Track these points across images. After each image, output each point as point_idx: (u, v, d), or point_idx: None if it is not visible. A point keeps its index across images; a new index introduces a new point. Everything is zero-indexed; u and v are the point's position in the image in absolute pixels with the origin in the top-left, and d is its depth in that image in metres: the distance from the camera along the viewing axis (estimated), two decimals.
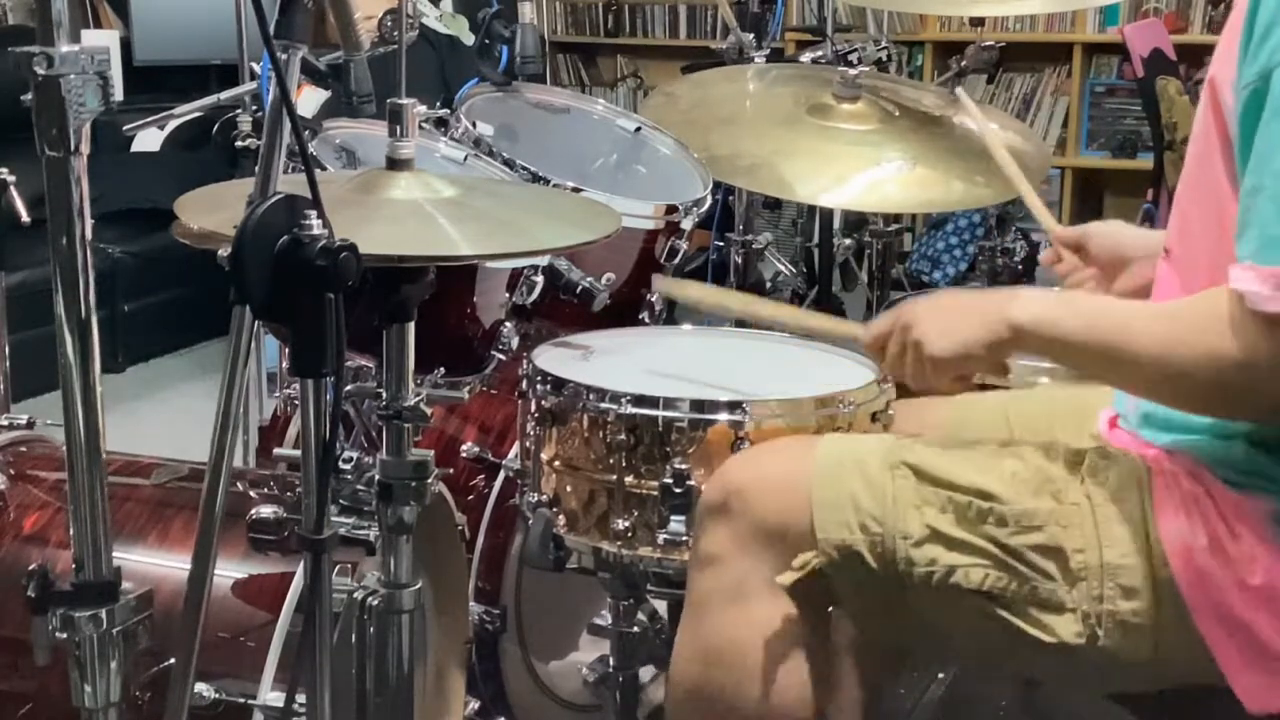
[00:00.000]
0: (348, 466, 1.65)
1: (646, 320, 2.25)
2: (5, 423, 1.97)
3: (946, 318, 1.46)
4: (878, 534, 1.43)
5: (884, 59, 3.42)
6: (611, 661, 1.88)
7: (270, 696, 1.60)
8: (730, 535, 1.48)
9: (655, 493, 1.63)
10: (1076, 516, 1.41)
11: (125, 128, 2.94)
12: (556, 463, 1.71)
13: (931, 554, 1.42)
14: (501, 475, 2.12)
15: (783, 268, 4.18)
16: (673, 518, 1.62)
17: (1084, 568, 1.39)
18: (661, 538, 1.63)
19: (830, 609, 1.51)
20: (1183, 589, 1.37)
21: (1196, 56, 5.01)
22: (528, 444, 1.77)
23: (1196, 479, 1.39)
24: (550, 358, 1.81)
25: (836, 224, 3.97)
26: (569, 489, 1.70)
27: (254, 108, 2.80)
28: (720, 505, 1.49)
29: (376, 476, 1.53)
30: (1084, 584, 1.39)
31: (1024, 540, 1.40)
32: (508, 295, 2.08)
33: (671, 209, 2.22)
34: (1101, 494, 1.41)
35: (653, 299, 2.25)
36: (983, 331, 1.42)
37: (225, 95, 2.86)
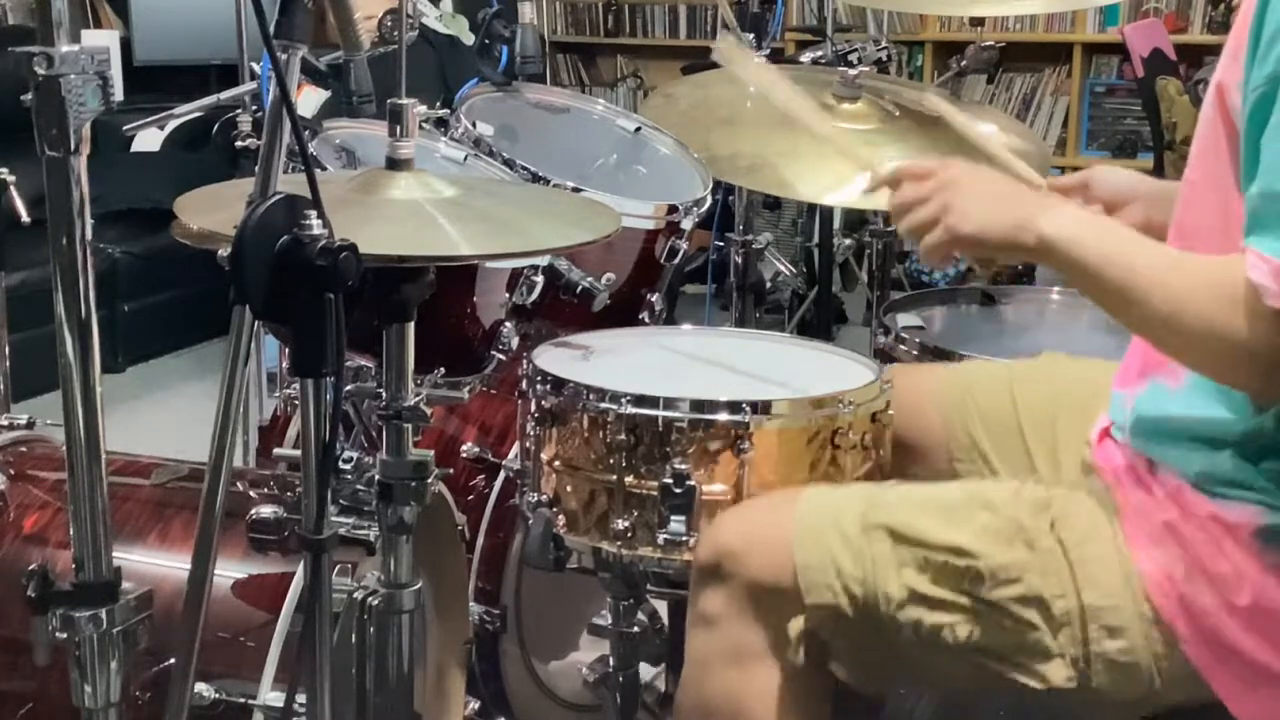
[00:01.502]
0: (348, 466, 1.65)
1: (646, 320, 2.25)
2: (5, 423, 1.97)
3: (983, 196, 1.43)
4: (860, 596, 1.43)
5: (884, 59, 3.41)
6: (611, 661, 1.88)
7: (270, 696, 1.60)
8: (725, 597, 1.49)
9: (655, 493, 1.63)
10: (1052, 563, 1.40)
11: (125, 128, 2.94)
12: (556, 463, 1.71)
13: (914, 615, 1.42)
14: (501, 475, 2.12)
15: (783, 268, 4.18)
16: (673, 518, 1.62)
17: (1066, 613, 1.39)
18: (661, 538, 1.63)
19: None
20: (1168, 620, 1.37)
21: (1196, 56, 5.02)
22: (528, 444, 1.77)
23: (1175, 499, 1.38)
24: (550, 358, 1.81)
25: (836, 224, 3.98)
26: (569, 489, 1.70)
27: (254, 108, 2.80)
28: (713, 567, 1.50)
29: (376, 476, 1.53)
30: (1068, 629, 1.39)
31: (1003, 593, 1.40)
32: (508, 295, 2.08)
33: (671, 209, 2.22)
34: (1073, 538, 1.41)
35: (653, 299, 2.25)
36: (1010, 227, 1.40)
37: (225, 95, 2.86)
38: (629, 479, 1.65)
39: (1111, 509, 1.43)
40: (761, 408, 1.63)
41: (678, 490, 1.61)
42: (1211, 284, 1.30)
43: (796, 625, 1.45)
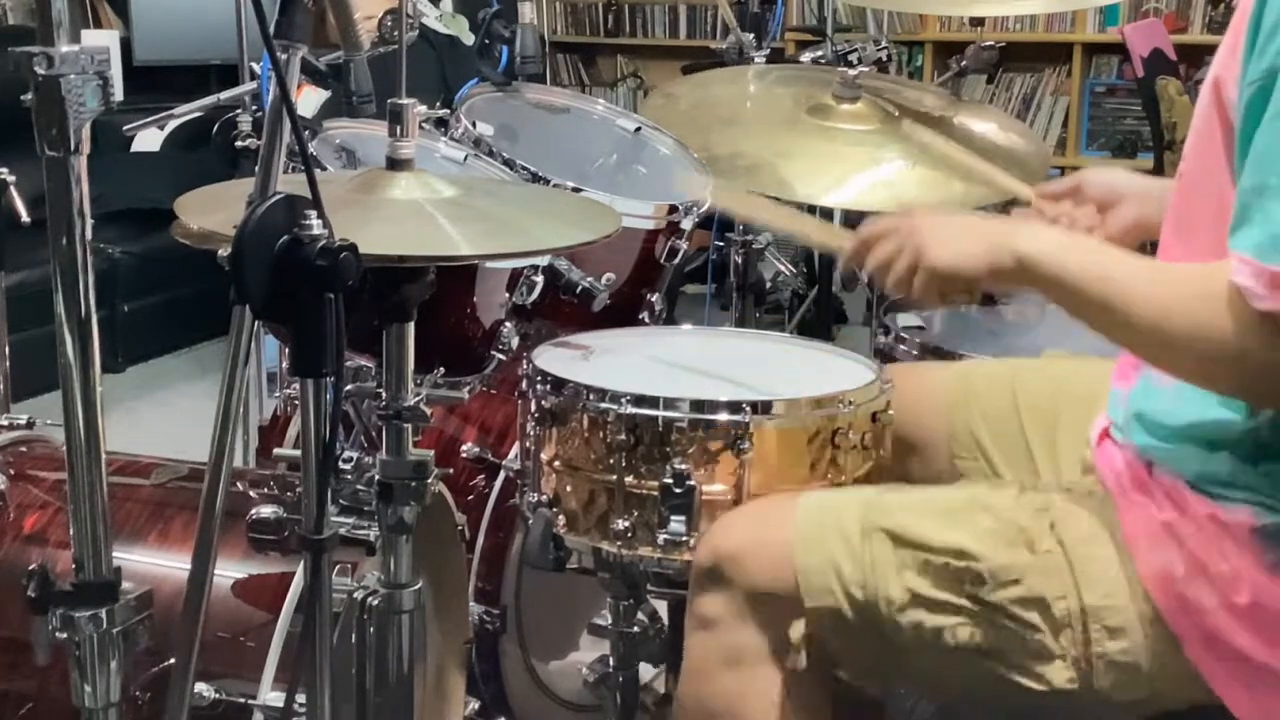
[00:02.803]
0: (348, 466, 1.65)
1: (646, 320, 2.25)
2: (5, 423, 1.97)
3: (952, 230, 1.44)
4: (861, 599, 1.43)
5: (884, 59, 3.41)
6: (611, 661, 1.88)
7: (270, 696, 1.60)
8: (724, 601, 1.49)
9: (655, 493, 1.63)
10: (1053, 564, 1.40)
11: (125, 128, 2.93)
12: (556, 463, 1.71)
13: (916, 617, 1.42)
14: (501, 475, 2.12)
15: (783, 268, 4.17)
16: (673, 518, 1.62)
17: (1067, 614, 1.39)
18: (661, 538, 1.63)
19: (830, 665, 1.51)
20: (1168, 620, 1.37)
21: (1196, 56, 5.02)
22: (528, 444, 1.77)
23: (1173, 499, 1.38)
24: (550, 358, 1.81)
25: (837, 224, 3.97)
26: (569, 489, 1.70)
27: (254, 108, 2.81)
28: (712, 571, 1.50)
29: (376, 476, 1.53)
30: (1069, 630, 1.39)
31: (1004, 595, 1.40)
32: (508, 295, 2.08)
33: (672, 209, 2.22)
34: (1073, 539, 1.41)
35: (653, 299, 2.25)
36: (986, 253, 1.40)
37: (225, 95, 2.86)
38: (629, 479, 1.64)
39: (1112, 509, 1.43)
40: (761, 408, 1.63)
41: (678, 490, 1.61)
42: (1196, 291, 1.30)
43: (798, 629, 1.45)
